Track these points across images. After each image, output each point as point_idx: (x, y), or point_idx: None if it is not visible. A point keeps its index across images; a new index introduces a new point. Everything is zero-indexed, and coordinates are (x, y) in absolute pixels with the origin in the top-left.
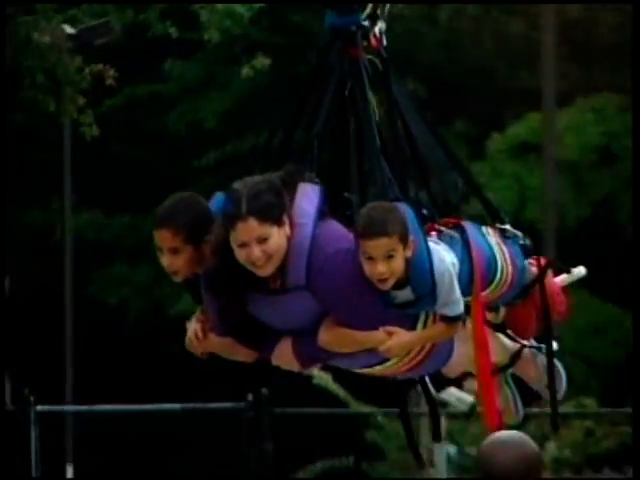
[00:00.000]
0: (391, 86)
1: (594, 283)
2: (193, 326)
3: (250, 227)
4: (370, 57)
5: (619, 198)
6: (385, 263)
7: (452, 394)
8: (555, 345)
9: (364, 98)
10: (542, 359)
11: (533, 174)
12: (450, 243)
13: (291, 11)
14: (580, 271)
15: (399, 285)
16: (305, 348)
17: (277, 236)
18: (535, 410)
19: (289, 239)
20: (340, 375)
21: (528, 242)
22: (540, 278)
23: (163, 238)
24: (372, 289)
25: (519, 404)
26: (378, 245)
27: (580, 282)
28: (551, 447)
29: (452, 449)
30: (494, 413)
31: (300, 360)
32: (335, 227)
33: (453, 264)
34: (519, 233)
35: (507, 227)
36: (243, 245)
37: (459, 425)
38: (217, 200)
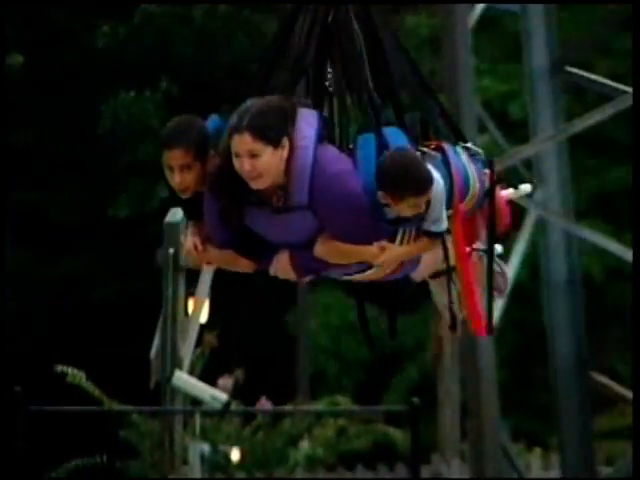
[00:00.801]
0: (372, 15)
1: (349, 282)
2: (190, 238)
3: (244, 140)
4: None
5: None
6: (412, 209)
7: (206, 391)
8: (500, 249)
9: (350, 26)
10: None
11: None
12: (433, 164)
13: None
14: (526, 188)
15: None
16: (302, 260)
17: (270, 156)
18: (289, 408)
19: (289, 161)
20: (94, 373)
21: (485, 158)
22: (491, 191)
23: (175, 156)
24: (369, 206)
25: (457, 313)
26: (409, 202)
27: (334, 281)
28: (304, 445)
29: (206, 447)
30: (478, 318)
31: (297, 271)
32: (333, 150)
33: (439, 184)
34: (480, 150)
35: (470, 145)
36: (237, 155)
37: (213, 423)
38: (212, 121)
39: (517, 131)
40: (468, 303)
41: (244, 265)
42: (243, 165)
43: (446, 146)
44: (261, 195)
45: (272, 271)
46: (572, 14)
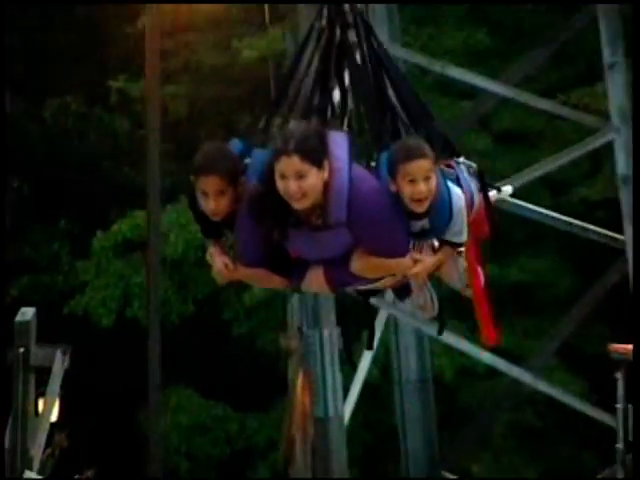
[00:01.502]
0: (378, 42)
1: (199, 380)
2: (220, 258)
3: (292, 162)
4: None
5: (224, 295)
6: (425, 183)
7: None
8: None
9: (362, 50)
10: (461, 262)
11: (138, 271)
12: (451, 180)
13: None
14: (507, 190)
15: (421, 215)
16: (336, 275)
17: (314, 177)
18: None
19: (327, 182)
20: None
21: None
22: (486, 199)
23: (211, 183)
24: (401, 220)
25: (435, 301)
26: (420, 166)
27: (186, 379)
28: None
29: None
30: (490, 329)
31: (330, 285)
32: (362, 169)
33: (461, 198)
34: (474, 164)
35: (463, 160)
36: (283, 177)
37: None
38: (235, 145)
39: None
40: (479, 314)
41: (277, 282)
42: (290, 186)
43: (454, 164)
44: (299, 215)
45: (305, 286)
46: None
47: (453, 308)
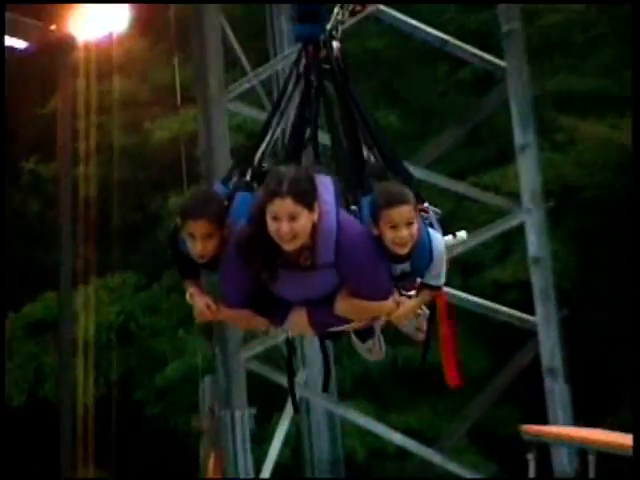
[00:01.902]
0: (351, 87)
1: (111, 461)
2: (201, 300)
3: (285, 204)
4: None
5: (136, 376)
6: (407, 229)
7: None
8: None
9: (343, 95)
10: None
11: (49, 353)
12: (427, 224)
13: None
14: (462, 235)
15: (402, 259)
16: (319, 316)
17: (305, 219)
18: None
19: (316, 224)
20: None
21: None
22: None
23: (199, 227)
24: (385, 263)
25: (383, 344)
26: (402, 212)
27: (98, 459)
28: None
29: None
30: (454, 371)
31: (313, 326)
32: (346, 213)
33: (441, 242)
34: (439, 210)
35: (427, 205)
36: (275, 218)
37: None
38: (218, 190)
39: None
40: (445, 356)
41: (260, 323)
42: (282, 227)
43: (426, 208)
44: (288, 256)
45: (288, 327)
46: None
47: (365, 390)
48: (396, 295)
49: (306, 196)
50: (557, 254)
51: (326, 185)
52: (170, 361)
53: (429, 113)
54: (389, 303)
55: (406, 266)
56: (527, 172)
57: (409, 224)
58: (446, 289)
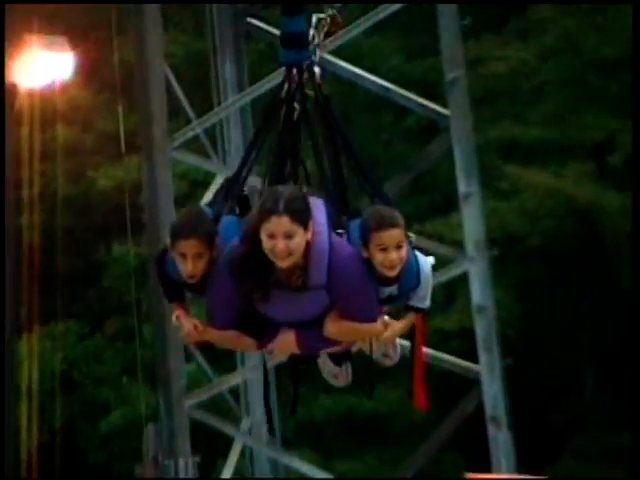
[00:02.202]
0: (334, 111)
1: None
2: (188, 321)
3: (282, 222)
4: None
5: (79, 424)
6: (397, 252)
7: None
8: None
9: (328, 120)
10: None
11: None
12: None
13: None
14: (430, 260)
15: (390, 281)
16: (308, 338)
17: (301, 237)
18: None
19: (309, 244)
20: None
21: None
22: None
23: (190, 246)
24: (374, 286)
25: (350, 370)
26: (392, 236)
27: None
28: None
29: None
30: (423, 396)
31: (302, 349)
32: (336, 236)
33: (428, 266)
34: (412, 235)
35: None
36: (272, 236)
37: None
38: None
39: (224, 360)
40: (415, 380)
41: (248, 344)
42: (277, 245)
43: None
44: (280, 276)
45: (274, 348)
46: None
47: (309, 438)
48: (384, 317)
49: (302, 215)
50: (501, 303)
51: (319, 207)
52: (114, 409)
53: (374, 161)
54: (378, 325)
55: (393, 289)
56: (471, 221)
57: (399, 247)
58: None
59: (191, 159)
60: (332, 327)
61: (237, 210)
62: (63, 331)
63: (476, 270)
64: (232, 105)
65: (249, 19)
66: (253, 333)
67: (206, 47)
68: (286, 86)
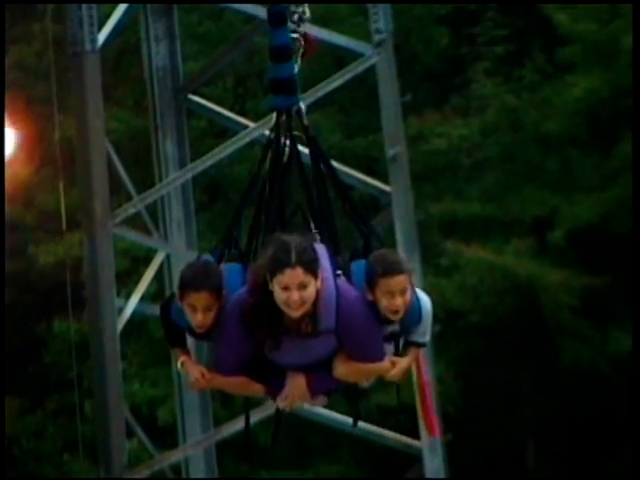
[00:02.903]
0: (324, 152)
1: None
2: (195, 369)
3: (296, 274)
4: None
5: None
6: (402, 297)
7: None
8: None
9: (318, 163)
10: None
11: None
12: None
13: None
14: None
15: (393, 320)
16: (318, 381)
17: (313, 287)
18: None
19: (318, 290)
20: None
21: None
22: None
23: (200, 298)
24: (379, 326)
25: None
26: (398, 282)
27: None
28: None
29: None
30: (433, 421)
31: (312, 391)
32: (340, 279)
33: (429, 303)
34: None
35: None
36: (286, 288)
37: None
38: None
39: (166, 436)
40: (422, 408)
41: (257, 390)
42: (292, 296)
43: None
44: (288, 324)
45: (284, 396)
46: None
47: None
48: (389, 355)
49: (313, 265)
50: (442, 378)
51: (322, 253)
52: None
53: None
54: (386, 364)
55: (396, 327)
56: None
57: (403, 292)
58: (332, 413)
59: (132, 235)
60: (342, 369)
61: (238, 256)
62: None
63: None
64: (173, 182)
65: (190, 96)
66: (260, 379)
67: (147, 123)
68: (274, 132)
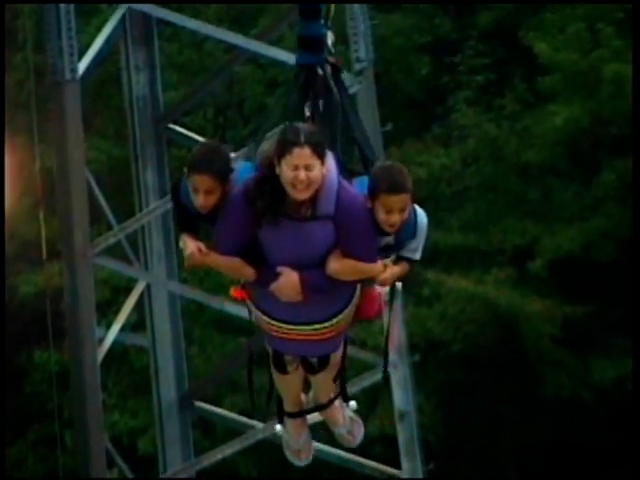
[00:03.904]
0: (347, 96)
1: None
2: (193, 243)
3: (304, 154)
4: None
5: None
6: (400, 214)
7: None
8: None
9: (337, 102)
10: (348, 411)
11: None
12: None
13: None
14: (353, 405)
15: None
16: (311, 278)
17: (319, 169)
18: None
19: (323, 174)
20: None
21: None
22: None
23: (202, 181)
24: (375, 230)
25: (361, 432)
26: (399, 200)
27: None
28: None
29: None
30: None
31: (305, 288)
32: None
33: (425, 219)
34: None
35: None
36: (294, 167)
37: None
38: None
39: (147, 466)
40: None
41: (248, 273)
42: (299, 175)
43: None
44: (289, 208)
45: (276, 289)
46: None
47: None
48: (384, 260)
49: (321, 147)
50: (423, 408)
51: (329, 154)
52: None
53: None
54: (378, 265)
55: (390, 239)
56: (392, 326)
57: (402, 210)
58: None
59: (113, 265)
60: (335, 264)
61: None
62: None
63: (398, 376)
64: (154, 211)
65: (171, 125)
66: (255, 265)
67: (127, 153)
68: (303, 79)
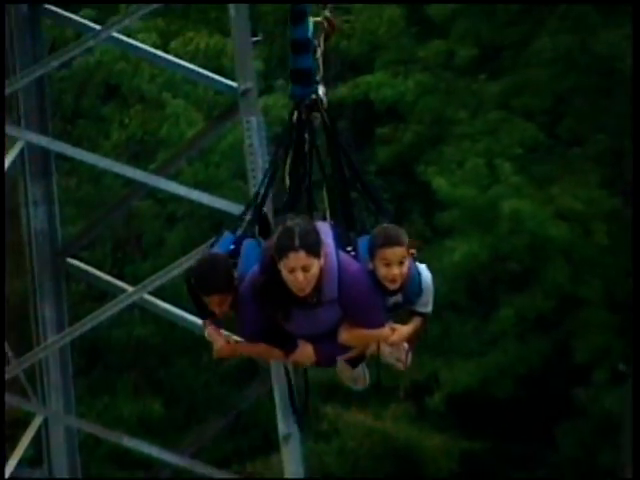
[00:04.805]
0: (340, 135)
1: None
2: (220, 337)
3: (299, 258)
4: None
5: None
6: (399, 267)
7: None
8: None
9: (335, 145)
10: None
11: None
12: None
13: None
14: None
15: (395, 292)
16: (324, 348)
17: (317, 266)
18: None
19: (321, 265)
20: None
21: None
22: None
23: (211, 300)
24: (380, 296)
25: (367, 375)
26: (395, 253)
27: None
28: None
29: None
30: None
31: (320, 358)
32: (343, 253)
33: (429, 275)
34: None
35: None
36: (292, 271)
37: None
38: (227, 239)
39: None
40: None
41: (276, 355)
42: (297, 278)
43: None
44: (297, 297)
45: (292, 357)
46: None
47: None
48: (391, 323)
49: (316, 247)
50: None
51: (325, 231)
52: None
53: (193, 402)
54: (386, 330)
55: (398, 297)
56: (291, 462)
57: (401, 263)
58: None
59: (10, 399)
60: (345, 335)
61: (257, 229)
62: None
63: None
64: (52, 345)
65: (69, 259)
66: (280, 345)
67: (25, 286)
68: (295, 117)
